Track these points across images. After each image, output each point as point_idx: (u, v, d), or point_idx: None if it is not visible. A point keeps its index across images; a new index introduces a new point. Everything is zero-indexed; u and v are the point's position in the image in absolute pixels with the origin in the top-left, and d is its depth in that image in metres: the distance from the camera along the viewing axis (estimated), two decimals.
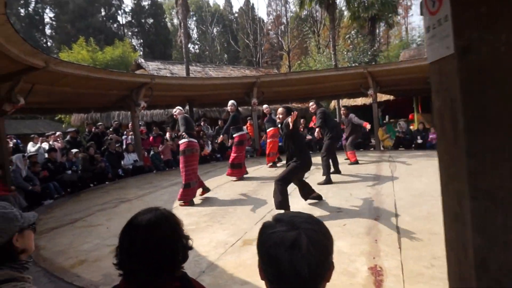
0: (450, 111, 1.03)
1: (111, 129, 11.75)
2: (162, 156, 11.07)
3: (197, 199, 5.88)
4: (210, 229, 4.28)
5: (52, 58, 6.33)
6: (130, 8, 42.72)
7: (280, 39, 42.25)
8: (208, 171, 9.29)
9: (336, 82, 13.00)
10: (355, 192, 5.57)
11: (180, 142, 5.79)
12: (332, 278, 0.88)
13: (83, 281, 3.08)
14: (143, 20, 41.78)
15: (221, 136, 7.84)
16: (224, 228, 4.19)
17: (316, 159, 6.87)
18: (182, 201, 5.61)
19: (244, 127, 7.89)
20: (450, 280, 1.07)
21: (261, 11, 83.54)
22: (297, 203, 4.98)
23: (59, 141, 10.17)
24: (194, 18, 48.32)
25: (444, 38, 1.01)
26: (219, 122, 13.46)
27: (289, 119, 4.34)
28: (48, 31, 38.89)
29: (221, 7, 53.81)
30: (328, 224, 3.26)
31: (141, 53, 36.22)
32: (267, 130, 9.22)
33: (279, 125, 4.96)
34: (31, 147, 9.53)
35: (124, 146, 10.68)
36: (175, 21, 51.42)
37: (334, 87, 13.64)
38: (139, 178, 9.21)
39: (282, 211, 3.68)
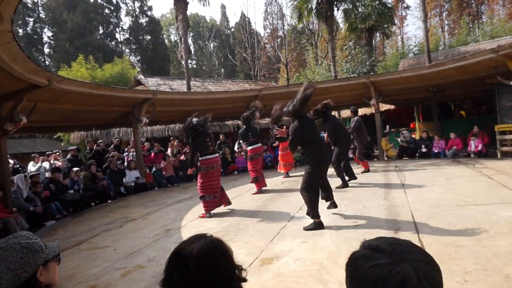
0: None
1: (112, 146, 11.63)
2: (164, 173, 10.96)
3: (206, 218, 5.72)
4: None
5: (55, 76, 6.24)
6: (128, 25, 43.12)
7: (277, 52, 42.52)
8: None
9: (338, 93, 12.95)
10: (369, 204, 5.42)
11: (201, 158, 5.83)
12: None
13: None
14: (141, 37, 42.15)
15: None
16: (238, 246, 4.03)
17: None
18: (200, 214, 5.81)
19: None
20: None
21: (258, 25, 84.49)
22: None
23: (60, 160, 10.03)
24: (191, 34, 48.76)
25: None
26: (221, 137, 13.36)
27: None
28: (46, 50, 39.15)
29: (218, 22, 54.43)
30: (347, 238, 3.12)
31: (140, 69, 36.33)
32: (279, 143, 9.23)
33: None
34: (31, 167, 9.37)
35: (125, 163, 10.54)
36: (173, 37, 51.97)
37: (336, 98, 13.48)
38: (142, 196, 9.05)
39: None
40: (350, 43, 25.82)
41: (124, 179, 9.85)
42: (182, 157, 11.94)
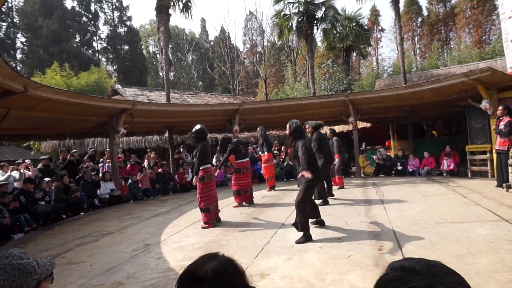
0: None
1: (86, 157, 11.25)
2: (140, 185, 10.72)
3: (187, 233, 5.57)
4: None
5: (32, 82, 6.00)
6: (106, 34, 42.47)
7: (256, 67, 42.93)
8: (191, 200, 8.97)
9: (318, 109, 13.17)
10: (350, 221, 5.45)
11: (201, 168, 5.89)
12: None
13: None
14: (119, 47, 41.59)
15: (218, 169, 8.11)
16: None
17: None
18: (206, 224, 5.78)
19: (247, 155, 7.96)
20: None
21: (237, 40, 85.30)
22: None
23: (31, 169, 9.57)
24: (170, 45, 48.63)
25: None
26: None
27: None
28: (19, 55, 37.87)
29: (197, 36, 54.55)
30: (332, 255, 3.09)
31: (116, 79, 35.73)
32: (262, 155, 9.26)
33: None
34: None
35: (100, 174, 10.21)
36: (151, 48, 51.66)
37: (315, 114, 13.78)
38: (118, 209, 8.78)
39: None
40: (328, 61, 26.49)
41: (98, 191, 9.52)
42: (160, 170, 11.71)
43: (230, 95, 27.45)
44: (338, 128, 19.05)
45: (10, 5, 36.53)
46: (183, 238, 5.26)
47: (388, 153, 13.54)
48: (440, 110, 12.89)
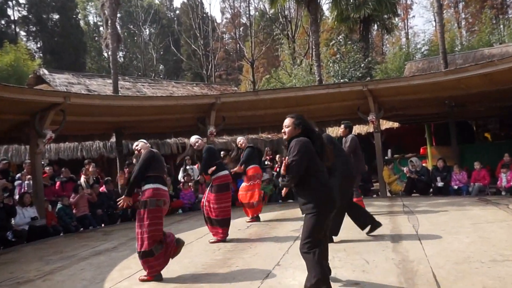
0: None
1: None
2: (74, 211, 10.63)
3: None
4: None
5: None
6: None
7: (239, 44, 43.15)
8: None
9: (324, 103, 13.26)
10: (372, 258, 5.45)
11: (143, 188, 5.41)
12: None
13: None
14: (45, 16, 41.24)
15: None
16: None
17: None
18: (145, 276, 5.34)
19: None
20: None
21: (214, 8, 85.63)
22: (294, 278, 4.79)
23: None
24: (119, 15, 48.46)
25: None
26: None
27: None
28: None
29: (157, 1, 54.62)
30: None
31: (42, 61, 35.41)
32: (246, 169, 9.17)
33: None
34: None
35: (16, 197, 10.10)
36: (91, 18, 51.48)
37: (321, 110, 13.89)
38: (41, 245, 8.68)
39: None
40: (340, 37, 26.79)
41: (13, 220, 9.40)
42: (102, 188, 11.59)
43: (204, 84, 27.48)
44: (354, 130, 19.24)
45: None
46: (135, 286, 5.20)
47: (423, 164, 13.67)
48: (494, 104, 13.07)
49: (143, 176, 5.40)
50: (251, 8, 38.95)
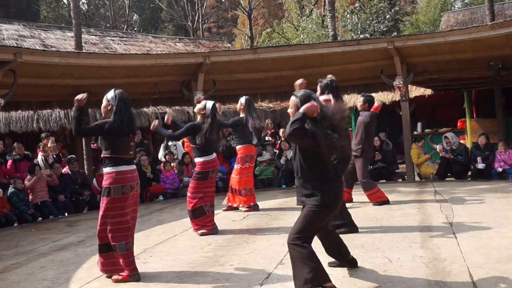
0: None
1: None
2: (31, 196, 10.71)
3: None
4: None
5: None
6: None
7: None
8: None
9: (340, 65, 13.22)
10: (396, 256, 5.52)
11: (105, 170, 5.46)
12: None
13: None
14: None
15: None
16: None
17: None
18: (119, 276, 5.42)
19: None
20: None
21: None
22: None
23: None
24: None
25: None
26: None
27: (302, 109, 4.18)
28: None
29: None
30: None
31: None
32: (236, 148, 9.22)
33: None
34: None
35: None
36: None
37: (335, 73, 13.58)
38: None
39: None
40: None
41: None
42: (66, 169, 11.64)
43: (189, 40, 27.27)
44: (376, 98, 19.19)
45: None
46: (108, 287, 5.27)
47: (461, 141, 13.68)
48: None
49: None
50: None
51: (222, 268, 5.68)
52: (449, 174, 12.63)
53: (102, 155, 5.55)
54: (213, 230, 7.53)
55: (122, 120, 5.27)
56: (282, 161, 12.85)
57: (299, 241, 4.24)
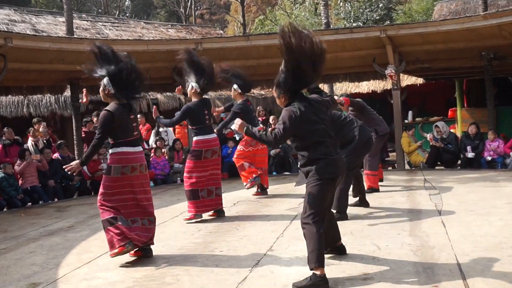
0: None
1: None
2: (20, 181, 10.70)
3: (104, 264, 5.60)
4: None
5: None
6: None
7: None
8: None
9: (332, 53, 13.11)
10: (385, 243, 5.56)
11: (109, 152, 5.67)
12: None
13: None
14: None
15: None
16: None
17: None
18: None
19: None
20: None
21: None
22: (290, 266, 4.92)
23: None
24: None
25: None
26: None
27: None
28: None
29: None
30: None
31: None
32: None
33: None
34: None
35: None
36: None
37: (327, 62, 13.65)
38: None
39: None
40: None
41: None
42: (56, 155, 11.61)
43: (181, 26, 27.17)
44: (366, 86, 19.20)
45: None
46: (97, 272, 5.27)
47: (451, 130, 13.73)
48: None
49: (102, 144, 5.69)
50: None
51: (212, 254, 5.71)
52: (439, 163, 12.73)
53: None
54: (195, 216, 7.48)
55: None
56: (272, 150, 12.85)
57: (309, 219, 4.37)
